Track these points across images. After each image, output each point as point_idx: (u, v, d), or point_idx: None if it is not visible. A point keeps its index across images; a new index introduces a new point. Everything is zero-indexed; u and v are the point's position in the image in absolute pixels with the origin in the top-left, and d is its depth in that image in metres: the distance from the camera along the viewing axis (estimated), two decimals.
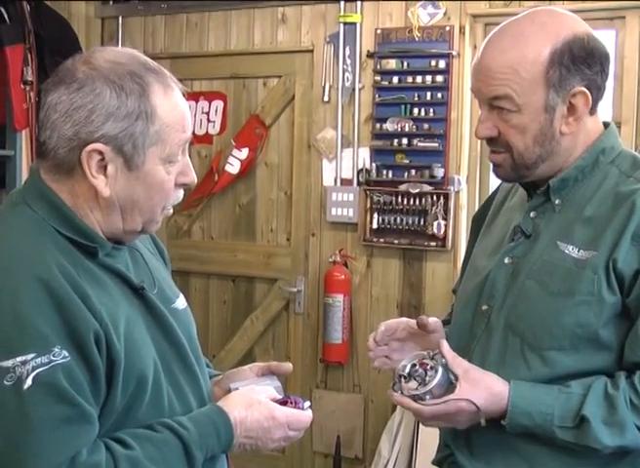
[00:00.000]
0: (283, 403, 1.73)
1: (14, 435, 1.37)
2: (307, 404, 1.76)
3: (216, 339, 4.95)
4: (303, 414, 1.73)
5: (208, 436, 1.58)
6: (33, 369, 1.37)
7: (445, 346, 1.82)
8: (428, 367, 1.80)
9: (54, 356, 1.39)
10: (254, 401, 1.68)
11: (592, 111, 1.84)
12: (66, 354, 1.40)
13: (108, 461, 1.43)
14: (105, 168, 1.51)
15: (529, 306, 1.82)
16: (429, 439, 2.04)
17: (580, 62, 1.77)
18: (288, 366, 1.87)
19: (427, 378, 1.79)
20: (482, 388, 1.77)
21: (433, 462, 2.06)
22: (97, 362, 1.44)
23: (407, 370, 1.82)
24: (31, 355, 1.37)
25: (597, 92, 1.81)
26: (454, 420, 1.80)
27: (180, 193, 1.65)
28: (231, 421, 1.62)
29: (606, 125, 1.90)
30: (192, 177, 1.64)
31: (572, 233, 1.81)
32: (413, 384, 1.80)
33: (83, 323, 1.43)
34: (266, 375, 1.85)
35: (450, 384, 1.78)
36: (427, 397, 1.77)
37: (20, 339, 1.38)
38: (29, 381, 1.36)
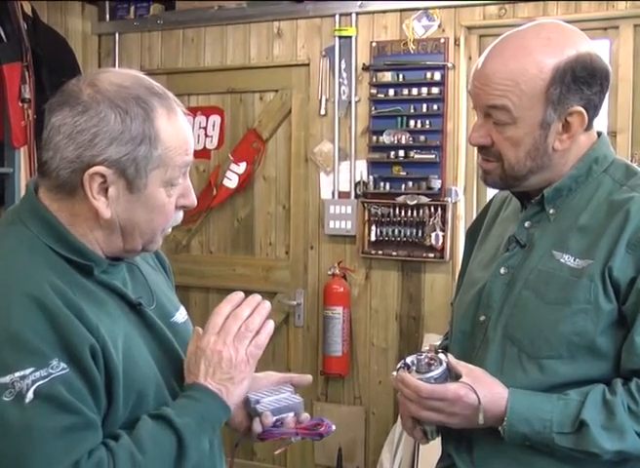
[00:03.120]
0: (317, 425, 1.77)
1: (19, 448, 1.37)
2: (334, 427, 1.79)
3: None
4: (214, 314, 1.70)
5: (183, 406, 1.56)
6: (33, 382, 1.37)
7: (449, 355, 1.84)
8: (432, 361, 1.82)
9: (52, 369, 1.39)
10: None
11: (587, 128, 1.84)
12: (65, 366, 1.40)
13: (108, 457, 1.43)
14: (107, 190, 1.51)
15: (526, 316, 1.82)
16: (430, 450, 2.03)
17: (582, 83, 1.77)
18: (308, 378, 1.88)
19: (431, 369, 1.80)
20: (484, 385, 1.77)
21: None
22: (94, 375, 1.44)
23: (411, 361, 1.83)
24: (30, 369, 1.37)
25: (594, 111, 1.82)
26: (449, 411, 1.78)
27: (180, 215, 1.66)
28: (195, 383, 1.60)
29: (598, 134, 1.91)
30: (192, 200, 1.64)
31: (567, 242, 1.82)
32: (415, 374, 1.81)
33: (77, 337, 1.43)
34: (282, 385, 1.85)
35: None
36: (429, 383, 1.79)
37: (16, 355, 1.38)
38: (30, 395, 1.37)
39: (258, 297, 1.69)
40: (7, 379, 1.37)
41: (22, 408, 1.37)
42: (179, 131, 1.57)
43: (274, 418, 1.76)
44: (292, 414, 1.79)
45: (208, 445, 1.61)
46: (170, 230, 1.66)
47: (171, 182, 1.56)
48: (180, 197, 1.61)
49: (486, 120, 1.83)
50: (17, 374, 1.37)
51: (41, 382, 1.38)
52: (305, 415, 1.80)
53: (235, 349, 1.64)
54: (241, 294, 1.69)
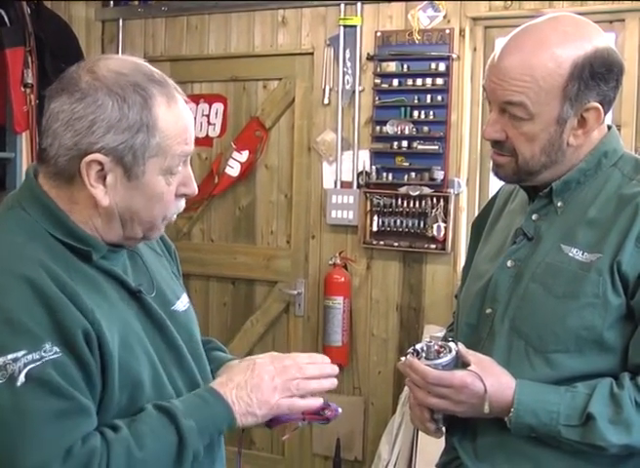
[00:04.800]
0: (323, 408, 1.75)
1: (9, 432, 1.36)
2: (340, 409, 1.78)
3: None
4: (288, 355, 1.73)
5: (193, 406, 1.56)
6: (25, 365, 1.37)
7: (460, 343, 1.84)
8: (442, 348, 1.82)
9: (44, 352, 1.39)
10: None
11: (601, 122, 1.84)
12: (57, 350, 1.40)
13: (102, 446, 1.43)
14: (105, 178, 1.51)
15: (533, 309, 1.82)
16: (429, 441, 2.03)
17: (599, 78, 1.77)
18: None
19: (440, 356, 1.81)
20: (491, 374, 1.78)
21: (438, 465, 2.06)
22: (88, 360, 1.44)
23: (421, 347, 1.84)
24: (22, 352, 1.37)
25: (608, 106, 1.83)
26: (455, 399, 1.79)
27: (182, 203, 1.66)
28: (215, 388, 1.62)
29: (607, 128, 1.91)
30: (193, 188, 1.64)
31: (575, 236, 1.81)
32: (424, 361, 1.82)
33: (70, 320, 1.43)
34: None
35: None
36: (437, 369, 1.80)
37: (9, 337, 1.38)
38: (22, 378, 1.36)
39: (334, 367, 1.73)
40: None
41: (14, 391, 1.36)
42: (178, 119, 1.56)
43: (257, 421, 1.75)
44: None
45: (202, 450, 1.59)
46: (174, 218, 1.66)
47: (170, 171, 1.56)
48: (180, 185, 1.61)
49: (501, 115, 1.82)
50: (9, 357, 1.37)
51: (33, 365, 1.37)
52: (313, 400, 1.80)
53: (273, 389, 1.64)
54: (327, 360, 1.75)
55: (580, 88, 1.76)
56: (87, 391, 1.44)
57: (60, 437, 1.39)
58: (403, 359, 1.86)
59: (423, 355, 1.82)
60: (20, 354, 1.37)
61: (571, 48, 1.75)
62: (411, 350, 1.85)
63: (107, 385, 1.48)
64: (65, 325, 1.42)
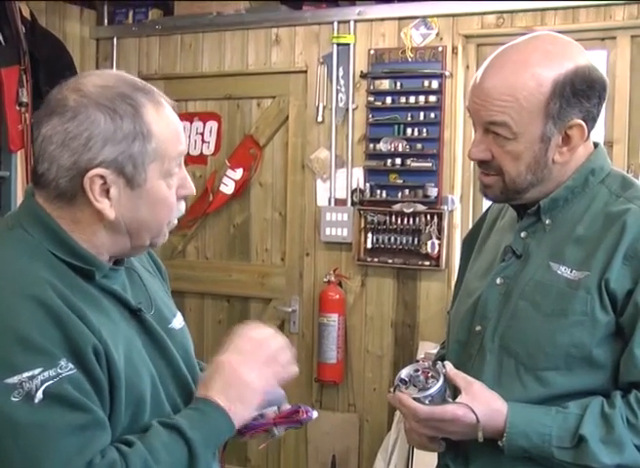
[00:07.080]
0: (294, 412, 1.74)
1: (31, 448, 1.37)
2: (316, 413, 1.77)
3: (211, 359, 4.94)
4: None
5: (194, 419, 1.56)
6: (42, 383, 1.38)
7: (448, 364, 1.83)
8: (429, 374, 1.81)
9: (60, 369, 1.40)
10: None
11: (586, 139, 1.84)
12: (72, 366, 1.41)
13: (121, 460, 1.44)
14: (108, 191, 1.52)
15: (522, 327, 1.82)
16: (425, 458, 2.03)
17: (581, 95, 1.77)
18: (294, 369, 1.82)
19: (428, 384, 1.79)
20: (482, 402, 1.77)
21: None
22: (99, 375, 1.45)
23: (408, 375, 1.82)
24: (38, 370, 1.38)
25: (592, 122, 1.82)
26: (447, 430, 1.79)
27: (183, 205, 1.67)
28: (205, 398, 1.61)
29: (595, 145, 1.91)
30: (191, 188, 1.66)
31: (563, 253, 1.81)
32: (413, 390, 1.80)
33: (81, 337, 1.44)
34: None
35: (447, 396, 1.79)
36: (427, 401, 1.78)
37: (25, 356, 1.39)
38: (40, 395, 1.37)
39: (284, 338, 1.75)
40: (15, 380, 1.37)
41: (32, 408, 1.37)
42: (168, 122, 1.58)
43: (255, 413, 1.72)
44: (274, 409, 1.78)
45: (212, 459, 1.61)
46: (176, 221, 1.67)
47: (169, 173, 1.58)
48: (179, 187, 1.63)
49: (485, 135, 1.83)
50: (25, 375, 1.37)
51: (50, 382, 1.38)
52: (287, 407, 1.80)
53: (258, 375, 1.65)
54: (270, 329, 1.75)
55: (563, 106, 1.76)
56: (100, 406, 1.45)
57: (80, 450, 1.40)
58: (392, 391, 1.85)
59: (411, 384, 1.81)
60: (36, 372, 1.38)
61: (552, 67, 1.76)
62: (397, 381, 1.83)
63: (114, 402, 1.48)
64: (77, 342, 1.43)
